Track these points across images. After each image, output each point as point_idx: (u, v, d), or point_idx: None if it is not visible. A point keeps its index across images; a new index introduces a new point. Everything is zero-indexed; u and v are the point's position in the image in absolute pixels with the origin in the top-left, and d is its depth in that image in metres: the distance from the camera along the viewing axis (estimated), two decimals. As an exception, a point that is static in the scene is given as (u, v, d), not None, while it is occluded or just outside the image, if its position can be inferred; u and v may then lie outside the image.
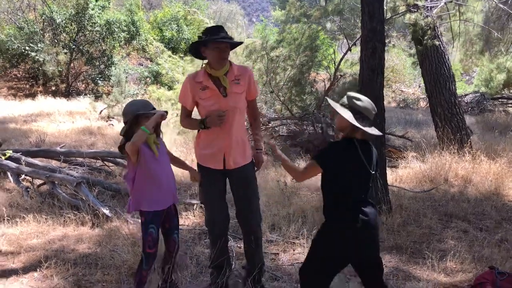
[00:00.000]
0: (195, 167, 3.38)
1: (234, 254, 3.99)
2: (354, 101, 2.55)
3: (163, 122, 3.10)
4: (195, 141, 3.38)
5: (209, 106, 3.15)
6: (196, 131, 3.34)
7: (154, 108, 3.11)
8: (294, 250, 4.18)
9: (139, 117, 2.99)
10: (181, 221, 4.88)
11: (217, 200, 3.29)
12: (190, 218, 5.00)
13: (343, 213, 2.53)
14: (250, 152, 3.34)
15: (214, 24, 11.64)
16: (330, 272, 2.63)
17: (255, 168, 3.37)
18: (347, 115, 2.50)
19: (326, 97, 3.05)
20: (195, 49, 3.24)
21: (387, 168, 5.93)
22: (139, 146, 2.93)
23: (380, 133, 2.66)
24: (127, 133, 3.00)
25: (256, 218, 3.35)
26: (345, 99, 2.60)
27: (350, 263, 2.69)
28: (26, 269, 3.70)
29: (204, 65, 3.24)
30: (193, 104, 3.26)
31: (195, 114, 3.35)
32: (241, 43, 3.35)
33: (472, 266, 3.90)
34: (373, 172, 2.60)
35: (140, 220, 3.13)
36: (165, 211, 3.14)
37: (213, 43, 3.07)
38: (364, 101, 2.55)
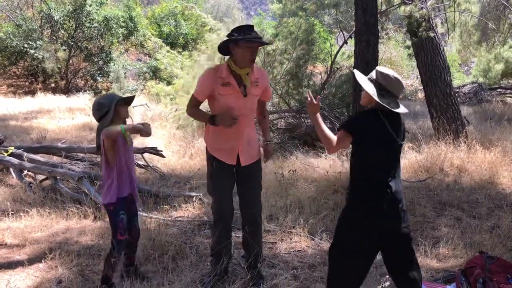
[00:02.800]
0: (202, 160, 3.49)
1: (233, 244, 4.10)
2: (382, 77, 2.53)
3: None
4: (205, 132, 3.47)
5: (227, 103, 3.20)
6: (201, 123, 3.44)
7: (122, 96, 3.25)
8: (291, 239, 4.30)
9: (117, 105, 3.13)
10: (180, 213, 5.02)
11: (227, 192, 3.39)
12: (190, 210, 5.11)
13: (371, 187, 2.52)
14: (260, 149, 3.50)
15: (211, 19, 11.67)
16: (363, 256, 2.59)
17: (265, 159, 3.55)
18: (372, 91, 2.49)
19: (354, 70, 3.00)
20: (224, 46, 3.23)
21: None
22: (114, 140, 3.09)
23: (406, 110, 2.60)
24: (105, 124, 3.10)
25: (258, 208, 3.48)
26: (373, 74, 2.58)
27: (379, 245, 2.62)
28: (32, 261, 3.81)
29: (227, 61, 3.26)
30: (207, 97, 3.29)
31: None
32: (270, 42, 3.45)
33: (464, 252, 4.02)
34: (402, 143, 2.58)
35: (107, 209, 3.24)
36: (129, 198, 3.30)
37: (245, 42, 3.10)
38: (391, 77, 2.52)
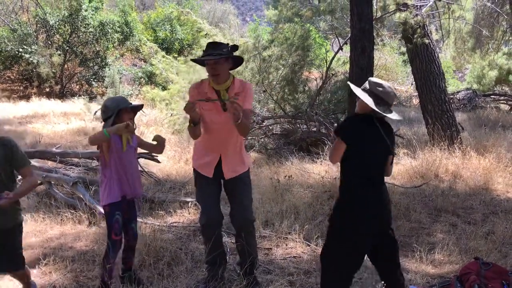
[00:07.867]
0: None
1: (229, 250, 4.09)
2: (376, 87, 2.67)
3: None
4: (193, 149, 3.51)
5: (210, 118, 3.25)
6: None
7: (131, 103, 3.30)
8: (286, 245, 4.29)
9: (121, 112, 3.19)
10: (176, 219, 5.00)
11: (212, 200, 3.38)
12: (185, 216, 5.08)
13: (360, 189, 2.64)
14: (248, 160, 3.50)
15: (207, 25, 11.71)
16: (352, 256, 2.71)
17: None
18: (369, 101, 2.62)
19: (348, 82, 3.19)
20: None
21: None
22: (99, 143, 3.18)
23: (400, 117, 2.79)
24: (107, 127, 3.15)
25: (248, 217, 3.43)
26: (367, 84, 2.73)
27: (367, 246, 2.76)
28: (25, 267, 3.77)
29: (208, 77, 3.29)
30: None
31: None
32: (232, 56, 3.21)
33: (459, 258, 4.03)
34: (392, 151, 2.73)
35: (104, 211, 3.29)
36: (126, 201, 3.31)
37: (196, 62, 3.25)
38: (385, 87, 2.68)
